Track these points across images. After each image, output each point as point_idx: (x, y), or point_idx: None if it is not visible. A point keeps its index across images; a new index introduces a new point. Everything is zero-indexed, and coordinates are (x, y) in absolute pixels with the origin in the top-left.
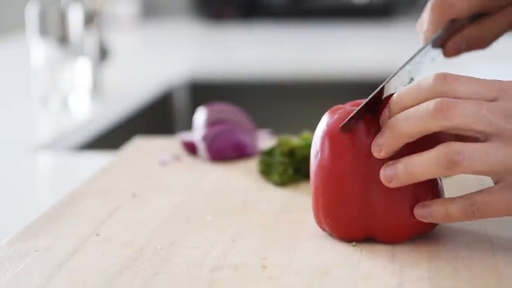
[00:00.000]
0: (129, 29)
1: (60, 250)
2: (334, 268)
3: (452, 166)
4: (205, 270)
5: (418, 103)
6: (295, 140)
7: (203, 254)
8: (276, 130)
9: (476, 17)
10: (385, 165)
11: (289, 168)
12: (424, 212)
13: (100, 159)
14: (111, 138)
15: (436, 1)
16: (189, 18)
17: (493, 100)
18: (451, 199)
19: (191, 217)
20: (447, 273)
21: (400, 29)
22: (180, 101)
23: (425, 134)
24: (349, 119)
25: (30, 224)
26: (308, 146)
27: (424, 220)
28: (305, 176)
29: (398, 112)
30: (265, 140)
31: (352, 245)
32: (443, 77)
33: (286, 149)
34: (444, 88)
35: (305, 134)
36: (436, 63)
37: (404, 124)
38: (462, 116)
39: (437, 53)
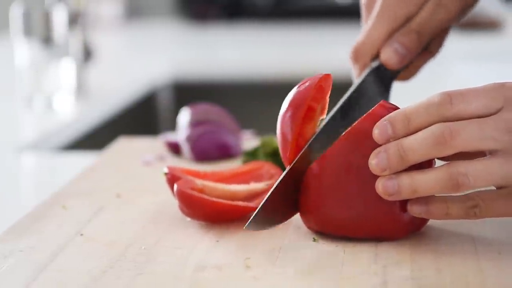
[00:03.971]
0: (113, 30)
1: (44, 250)
2: (317, 268)
3: (457, 188)
4: (189, 270)
5: (425, 126)
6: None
7: (187, 254)
8: (260, 130)
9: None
10: (383, 178)
11: None
12: (421, 209)
13: (84, 159)
14: (95, 139)
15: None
16: (173, 18)
17: (499, 110)
18: (452, 198)
19: (175, 217)
20: (430, 272)
21: None
22: (164, 101)
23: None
24: (253, 217)
25: (14, 224)
26: None
27: (419, 216)
28: None
29: (403, 132)
30: (249, 141)
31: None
32: (449, 99)
33: (270, 149)
34: (451, 112)
35: None
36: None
37: (411, 153)
38: (467, 141)
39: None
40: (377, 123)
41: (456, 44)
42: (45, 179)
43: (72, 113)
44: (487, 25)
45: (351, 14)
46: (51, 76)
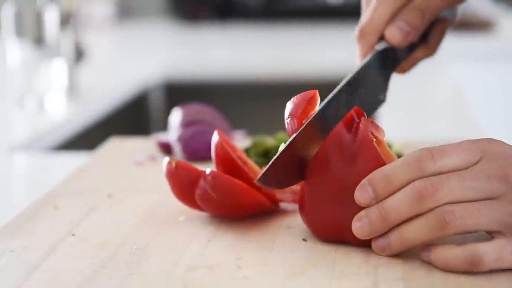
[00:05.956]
0: (105, 30)
1: (36, 250)
2: (309, 268)
3: (445, 226)
4: (181, 270)
5: (405, 184)
6: (270, 141)
7: (179, 254)
8: (251, 130)
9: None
10: (375, 238)
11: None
12: (425, 256)
13: (76, 159)
14: (86, 139)
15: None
16: (165, 19)
17: (477, 162)
18: (451, 248)
19: (167, 218)
20: (422, 273)
21: None
22: (156, 101)
23: None
24: (264, 172)
25: (6, 224)
26: None
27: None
28: None
29: (384, 192)
30: (240, 141)
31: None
32: (430, 155)
33: (261, 149)
34: (433, 168)
35: (280, 134)
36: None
37: (393, 213)
38: (449, 194)
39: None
40: (358, 186)
41: (449, 45)
42: (36, 179)
43: (64, 113)
44: (480, 26)
45: (343, 14)
46: (42, 76)
